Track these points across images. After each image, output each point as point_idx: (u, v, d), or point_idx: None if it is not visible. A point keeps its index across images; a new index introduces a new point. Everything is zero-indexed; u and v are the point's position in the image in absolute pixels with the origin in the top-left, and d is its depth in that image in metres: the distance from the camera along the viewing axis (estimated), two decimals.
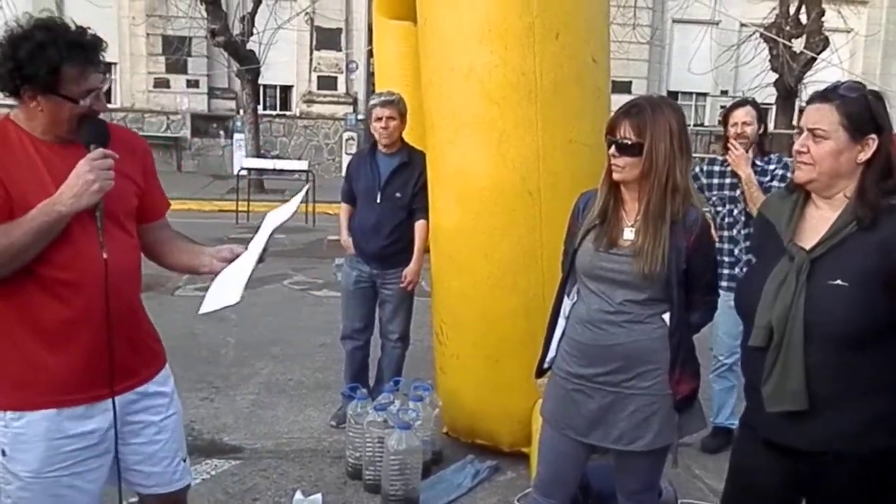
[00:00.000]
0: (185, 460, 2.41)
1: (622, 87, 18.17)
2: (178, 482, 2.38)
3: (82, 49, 1.98)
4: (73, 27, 2.02)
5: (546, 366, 2.62)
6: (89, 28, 2.06)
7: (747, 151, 4.01)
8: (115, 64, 18.69)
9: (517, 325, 3.66)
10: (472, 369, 3.87)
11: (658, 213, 2.34)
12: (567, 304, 2.55)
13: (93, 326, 2.07)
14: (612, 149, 2.36)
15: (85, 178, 1.95)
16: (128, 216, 2.20)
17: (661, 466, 2.58)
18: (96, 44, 2.03)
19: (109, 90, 18.96)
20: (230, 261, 2.28)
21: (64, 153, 2.03)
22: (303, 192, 2.49)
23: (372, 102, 4.40)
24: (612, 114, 2.44)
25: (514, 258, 3.65)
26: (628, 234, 2.40)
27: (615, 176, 2.39)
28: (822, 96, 2.05)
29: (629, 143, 2.33)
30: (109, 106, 18.51)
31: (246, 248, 2.29)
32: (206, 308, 2.19)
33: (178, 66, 19.04)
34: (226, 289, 2.19)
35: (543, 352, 2.61)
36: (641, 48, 19.55)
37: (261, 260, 2.24)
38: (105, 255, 2.03)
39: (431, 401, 3.96)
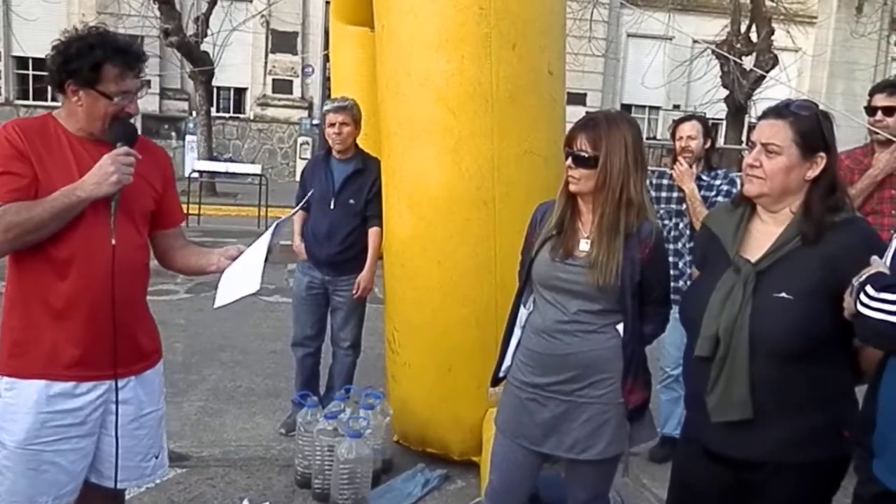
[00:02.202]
0: (157, 456, 2.50)
1: (577, 98, 18.43)
2: (149, 477, 2.52)
3: (125, 54, 2.22)
4: (122, 39, 2.28)
5: (501, 375, 2.62)
6: (137, 41, 2.35)
7: (693, 166, 4.08)
8: None
9: (469, 334, 3.65)
10: (423, 378, 3.85)
11: (611, 226, 2.37)
12: (523, 313, 2.56)
13: (93, 309, 2.21)
14: (569, 161, 2.40)
15: (106, 170, 2.15)
16: (142, 217, 2.37)
17: (611, 476, 2.60)
18: (139, 54, 2.27)
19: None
20: (236, 258, 2.43)
21: (93, 149, 2.22)
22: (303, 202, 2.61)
23: (326, 108, 4.38)
24: (571, 126, 2.46)
25: (467, 267, 3.65)
26: (584, 245, 2.42)
27: (571, 187, 2.42)
28: (775, 112, 2.10)
29: (585, 155, 2.36)
30: (54, 104, 18.20)
31: (249, 246, 2.44)
32: (221, 301, 2.35)
33: None
34: (239, 281, 2.34)
35: (499, 361, 2.61)
36: (597, 61, 19.85)
37: (268, 257, 2.37)
38: (113, 242, 2.19)
39: (382, 409, 3.93)
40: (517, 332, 2.56)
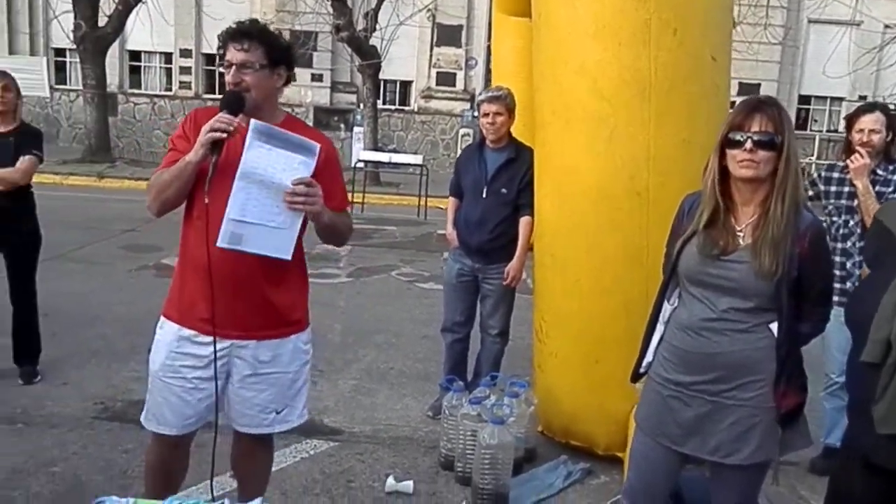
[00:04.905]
0: (278, 412, 2.72)
1: (750, 89, 17.50)
2: (267, 427, 2.74)
3: (229, 29, 2.56)
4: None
5: (642, 370, 2.55)
6: (268, 23, 2.66)
7: (871, 160, 3.77)
8: None
9: (618, 325, 3.58)
10: (570, 368, 3.82)
11: (780, 212, 2.23)
12: (667, 308, 2.47)
13: (204, 270, 2.46)
14: (748, 144, 2.23)
15: (200, 136, 2.41)
16: None
17: (759, 482, 2.46)
18: (240, 28, 2.55)
19: None
20: None
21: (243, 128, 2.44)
22: None
23: (479, 98, 4.42)
24: (734, 111, 2.31)
25: (616, 257, 3.58)
26: (739, 239, 2.30)
27: (747, 173, 2.25)
28: None
29: (770, 138, 2.22)
30: None
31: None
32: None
33: (303, 60, 19.60)
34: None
35: (640, 356, 2.54)
36: (773, 49, 18.76)
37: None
38: (206, 201, 2.40)
39: (527, 398, 3.93)
40: (660, 328, 2.47)
